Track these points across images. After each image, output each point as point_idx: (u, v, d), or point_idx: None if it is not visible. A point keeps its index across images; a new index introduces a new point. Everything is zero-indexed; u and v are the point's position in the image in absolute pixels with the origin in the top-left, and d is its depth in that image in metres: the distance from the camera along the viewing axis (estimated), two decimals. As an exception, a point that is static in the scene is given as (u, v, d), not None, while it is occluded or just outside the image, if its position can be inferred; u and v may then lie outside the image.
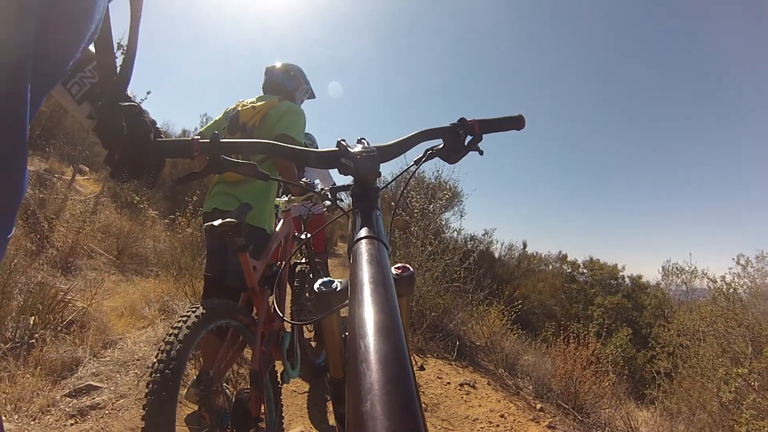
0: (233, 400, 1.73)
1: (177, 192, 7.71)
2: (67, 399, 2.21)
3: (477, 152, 0.97)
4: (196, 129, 11.22)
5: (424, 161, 0.95)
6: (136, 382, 2.46)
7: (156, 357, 1.37)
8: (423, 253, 4.40)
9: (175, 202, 7.20)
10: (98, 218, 5.66)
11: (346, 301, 0.54)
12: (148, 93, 6.70)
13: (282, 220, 2.42)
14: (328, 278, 0.65)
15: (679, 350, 7.56)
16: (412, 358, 2.97)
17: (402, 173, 0.93)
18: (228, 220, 1.66)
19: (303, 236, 2.85)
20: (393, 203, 9.96)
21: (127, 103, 0.77)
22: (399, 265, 0.69)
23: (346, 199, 5.51)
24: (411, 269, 0.70)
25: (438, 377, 3.34)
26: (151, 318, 3.39)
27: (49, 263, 4.15)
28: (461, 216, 11.47)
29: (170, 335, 1.43)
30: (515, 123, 0.99)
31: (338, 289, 0.63)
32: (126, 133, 0.76)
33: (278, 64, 2.54)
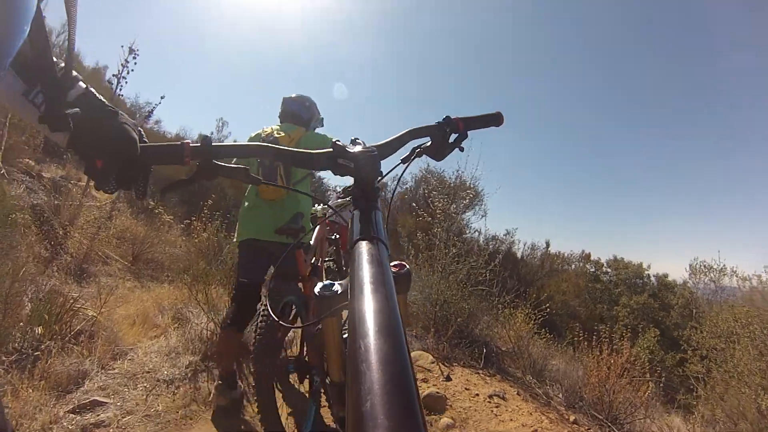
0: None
1: (193, 195, 7.64)
2: (71, 415, 2.07)
3: (459, 149, 0.99)
4: (212, 133, 11.19)
5: (412, 159, 0.94)
6: (144, 398, 2.31)
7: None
8: (447, 256, 4.18)
9: (192, 206, 7.12)
10: (114, 224, 5.61)
11: (347, 302, 0.54)
12: (162, 98, 6.69)
13: (319, 226, 2.75)
14: (329, 281, 0.65)
15: (713, 353, 7.23)
16: (438, 367, 3.11)
17: (389, 172, 0.94)
18: (290, 226, 2.28)
19: (332, 237, 3.39)
20: (402, 203, 10.27)
21: (112, 108, 0.74)
22: (395, 262, 0.69)
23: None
24: (407, 267, 0.70)
25: (466, 388, 3.13)
26: (163, 327, 3.25)
27: (62, 270, 4.07)
28: (483, 216, 11.21)
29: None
30: (494, 120, 1.02)
31: (339, 292, 0.63)
32: (105, 139, 0.70)
33: (294, 95, 2.79)
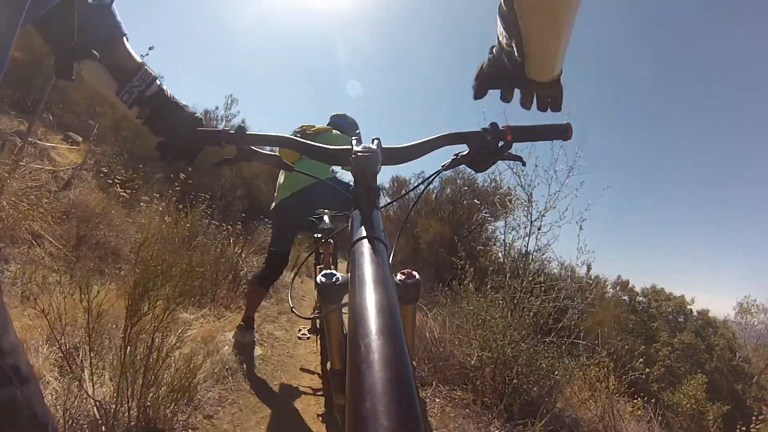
0: None
1: (177, 173, 6.43)
2: None
3: (519, 162, 0.92)
4: (217, 108, 10.79)
5: (449, 166, 0.86)
6: None
7: None
8: (522, 284, 2.70)
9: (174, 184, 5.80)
10: (66, 194, 4.27)
11: (347, 301, 0.54)
12: (150, 48, 5.71)
13: None
14: (330, 271, 0.64)
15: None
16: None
17: (428, 177, 0.84)
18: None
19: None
20: (425, 203, 10.07)
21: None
22: (405, 271, 0.66)
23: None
24: (417, 276, 0.66)
25: None
26: (35, 370, 1.84)
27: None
28: (513, 229, 9.72)
29: None
30: (559, 132, 0.84)
31: (338, 282, 0.62)
32: (171, 125, 0.95)
33: (339, 112, 3.32)
